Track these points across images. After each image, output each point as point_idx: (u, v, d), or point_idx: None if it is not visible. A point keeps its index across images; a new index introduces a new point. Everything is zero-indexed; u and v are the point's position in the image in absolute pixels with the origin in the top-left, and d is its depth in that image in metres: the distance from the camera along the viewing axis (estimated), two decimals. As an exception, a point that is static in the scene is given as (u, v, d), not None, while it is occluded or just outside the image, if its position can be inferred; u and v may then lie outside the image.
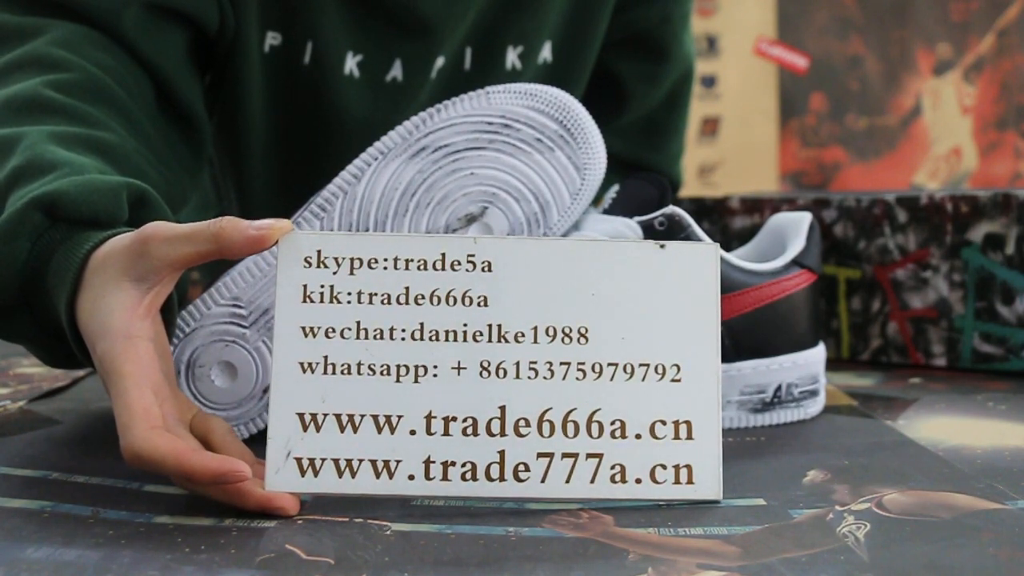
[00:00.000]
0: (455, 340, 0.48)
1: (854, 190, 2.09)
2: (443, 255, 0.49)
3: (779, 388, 0.65)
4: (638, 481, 0.48)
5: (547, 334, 0.49)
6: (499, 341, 0.48)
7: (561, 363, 0.48)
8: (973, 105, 2.30)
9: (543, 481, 0.48)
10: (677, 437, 0.48)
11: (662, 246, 0.50)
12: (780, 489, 0.51)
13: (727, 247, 0.81)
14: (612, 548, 0.43)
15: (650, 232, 0.62)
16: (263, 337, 0.57)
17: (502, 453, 0.48)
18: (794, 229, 0.68)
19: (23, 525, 0.46)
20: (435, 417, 0.48)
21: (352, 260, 0.48)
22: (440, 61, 0.81)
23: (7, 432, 0.62)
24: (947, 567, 0.40)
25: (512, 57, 0.82)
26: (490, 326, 0.48)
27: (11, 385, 0.77)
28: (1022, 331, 0.77)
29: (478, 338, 0.48)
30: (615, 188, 0.66)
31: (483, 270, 0.49)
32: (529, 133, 0.60)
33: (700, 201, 0.94)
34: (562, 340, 0.49)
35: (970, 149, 2.31)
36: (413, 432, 0.47)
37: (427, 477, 0.47)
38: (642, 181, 0.66)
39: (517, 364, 0.48)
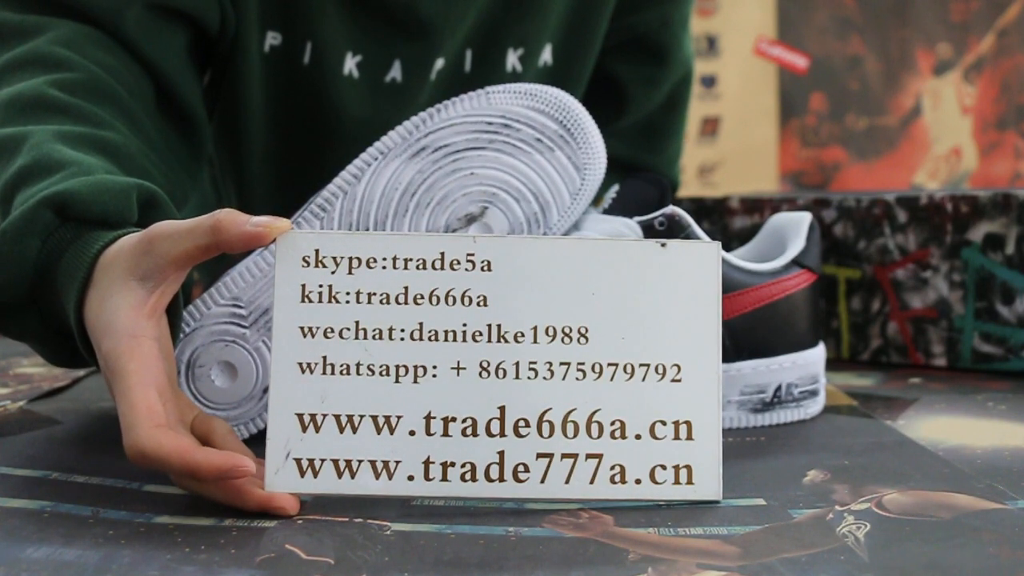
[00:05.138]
0: (454, 340, 0.48)
1: (854, 190, 2.09)
2: (442, 254, 0.48)
3: (779, 388, 0.64)
4: (638, 481, 0.48)
5: (547, 334, 0.48)
6: (499, 341, 0.48)
7: (561, 363, 0.48)
8: (973, 105, 2.30)
9: (543, 482, 0.48)
10: (677, 437, 0.48)
11: (663, 245, 0.49)
12: (780, 489, 0.51)
13: (727, 247, 0.80)
14: (612, 548, 0.43)
15: (650, 232, 0.62)
16: (263, 337, 0.57)
17: (501, 454, 0.48)
18: (794, 229, 0.68)
19: (23, 525, 0.46)
20: (434, 417, 0.48)
21: (351, 259, 0.48)
22: (440, 63, 0.81)
23: (7, 432, 0.62)
24: (947, 567, 0.40)
25: (513, 59, 0.82)
26: (489, 326, 0.48)
27: (11, 385, 0.77)
28: (1022, 331, 0.77)
29: (477, 338, 0.48)
30: (615, 188, 0.66)
31: (482, 269, 0.49)
32: (529, 133, 0.60)
33: (700, 201, 0.94)
34: (562, 340, 0.48)
35: (970, 149, 2.31)
36: (412, 433, 0.47)
37: (426, 478, 0.47)
38: (642, 181, 0.66)
39: (517, 364, 0.48)
